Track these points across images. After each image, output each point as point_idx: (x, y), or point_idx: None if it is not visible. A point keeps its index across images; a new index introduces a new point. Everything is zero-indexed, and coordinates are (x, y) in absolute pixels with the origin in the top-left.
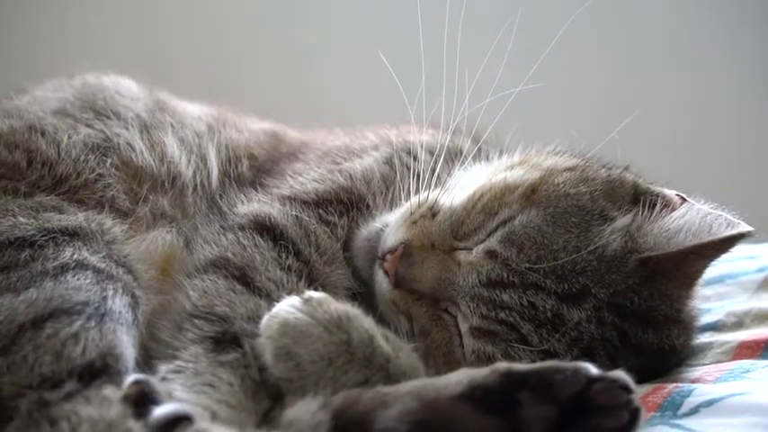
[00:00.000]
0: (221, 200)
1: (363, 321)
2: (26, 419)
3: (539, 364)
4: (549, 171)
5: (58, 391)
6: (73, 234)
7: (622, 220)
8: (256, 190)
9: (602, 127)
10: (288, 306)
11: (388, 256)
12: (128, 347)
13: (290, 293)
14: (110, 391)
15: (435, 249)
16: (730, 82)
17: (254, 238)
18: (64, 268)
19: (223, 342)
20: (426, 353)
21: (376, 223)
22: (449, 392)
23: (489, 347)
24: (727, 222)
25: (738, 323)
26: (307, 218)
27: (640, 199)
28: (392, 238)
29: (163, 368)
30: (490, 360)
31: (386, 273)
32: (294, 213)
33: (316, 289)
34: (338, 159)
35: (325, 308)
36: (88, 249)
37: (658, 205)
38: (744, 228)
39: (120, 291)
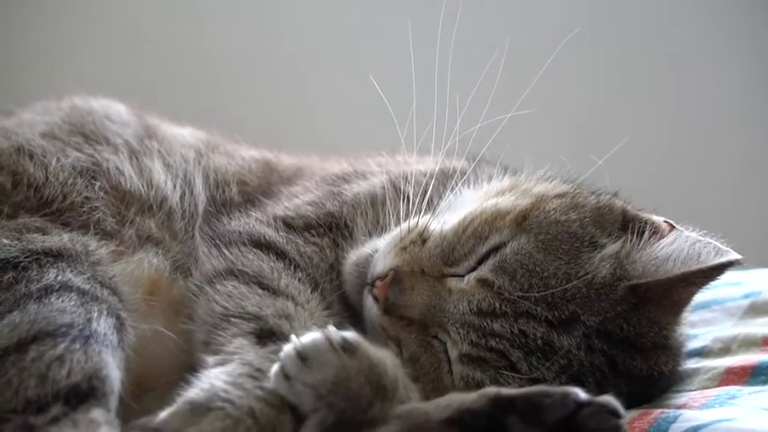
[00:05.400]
0: (214, 221)
1: (393, 366)
2: None
3: (527, 389)
4: (539, 197)
5: (43, 416)
6: (57, 255)
7: (612, 248)
8: (248, 209)
9: (592, 153)
10: (326, 350)
11: (378, 282)
12: (113, 369)
13: (308, 302)
14: (97, 414)
15: (425, 275)
16: (719, 108)
17: (256, 252)
18: (48, 290)
19: (263, 337)
20: (415, 378)
21: (365, 248)
22: (437, 416)
23: (478, 374)
24: (715, 250)
25: (725, 349)
26: (301, 240)
27: (629, 226)
28: (382, 263)
29: (211, 360)
30: (479, 386)
31: (375, 299)
32: (287, 235)
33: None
34: (336, 184)
35: (363, 352)
36: (72, 270)
37: (647, 232)
38: (732, 256)
39: (105, 312)
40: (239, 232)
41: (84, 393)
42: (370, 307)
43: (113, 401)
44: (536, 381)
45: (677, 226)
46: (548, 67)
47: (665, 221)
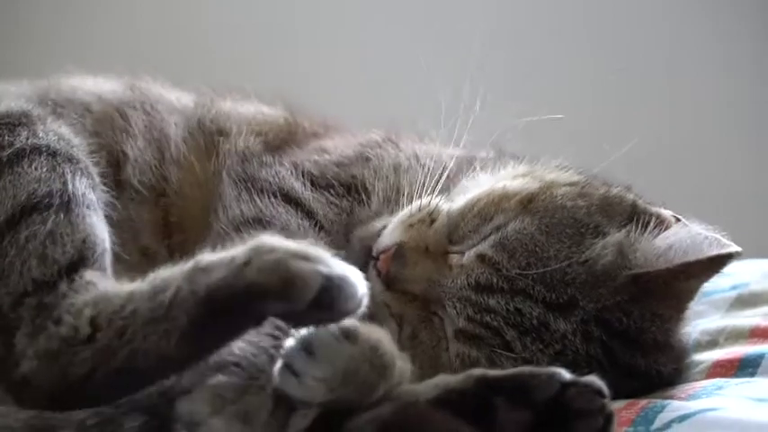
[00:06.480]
0: (246, 163)
1: (388, 342)
2: (32, 327)
3: (513, 370)
4: (549, 183)
5: (54, 294)
6: (28, 116)
7: (616, 236)
8: (280, 157)
9: (599, 148)
10: (332, 340)
11: (382, 256)
12: (102, 231)
13: None
14: (90, 276)
15: (429, 252)
16: (715, 107)
17: (285, 206)
18: (19, 155)
19: None
20: (413, 356)
21: (375, 225)
22: (425, 396)
23: (474, 352)
24: (716, 242)
25: (712, 342)
26: (324, 200)
27: (635, 217)
28: (387, 238)
29: None
30: (474, 365)
31: (378, 273)
32: (312, 193)
33: None
34: (369, 147)
35: (362, 336)
36: (44, 129)
37: (652, 223)
38: (733, 248)
39: (79, 173)
40: (270, 182)
41: (77, 263)
42: (374, 282)
43: (107, 259)
44: (529, 362)
45: (683, 219)
46: (553, 68)
47: (673, 215)
